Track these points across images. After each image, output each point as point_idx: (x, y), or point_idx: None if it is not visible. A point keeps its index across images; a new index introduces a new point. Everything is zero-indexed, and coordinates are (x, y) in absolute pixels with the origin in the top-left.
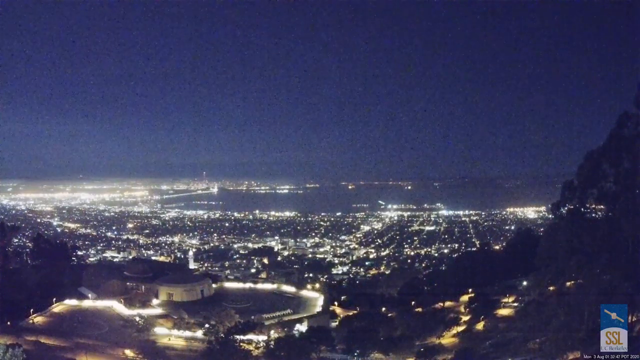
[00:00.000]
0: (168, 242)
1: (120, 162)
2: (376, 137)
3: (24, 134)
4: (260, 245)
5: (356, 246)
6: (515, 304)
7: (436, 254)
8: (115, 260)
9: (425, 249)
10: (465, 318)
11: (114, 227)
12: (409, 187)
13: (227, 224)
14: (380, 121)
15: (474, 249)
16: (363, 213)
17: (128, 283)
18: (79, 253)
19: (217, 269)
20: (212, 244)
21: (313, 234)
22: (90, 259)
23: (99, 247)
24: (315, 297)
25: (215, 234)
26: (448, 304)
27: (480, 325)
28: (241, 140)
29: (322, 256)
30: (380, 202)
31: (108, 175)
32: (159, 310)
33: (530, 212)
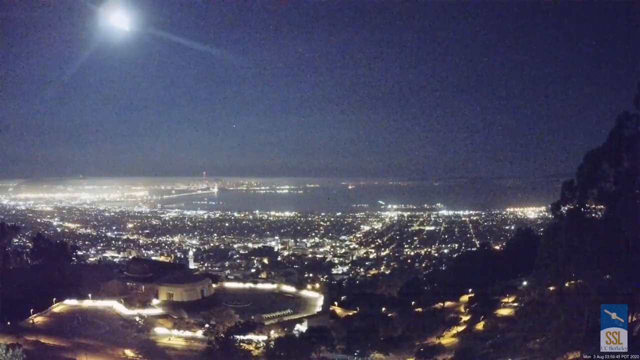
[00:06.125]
0: (168, 242)
1: (120, 162)
2: (376, 136)
3: (24, 133)
4: (260, 245)
5: (356, 246)
6: (515, 304)
7: (436, 254)
8: (115, 260)
9: (425, 249)
10: (465, 318)
11: (114, 227)
12: (409, 187)
13: (227, 224)
14: (380, 121)
15: (474, 249)
16: (363, 213)
17: (128, 283)
18: (79, 253)
19: (217, 269)
20: (212, 244)
21: (313, 234)
22: (90, 259)
23: (99, 247)
24: (315, 297)
25: (215, 234)
26: (448, 304)
27: (480, 325)
28: (241, 140)
29: (322, 256)
30: (380, 202)
31: (108, 175)
32: (159, 310)
33: (530, 212)
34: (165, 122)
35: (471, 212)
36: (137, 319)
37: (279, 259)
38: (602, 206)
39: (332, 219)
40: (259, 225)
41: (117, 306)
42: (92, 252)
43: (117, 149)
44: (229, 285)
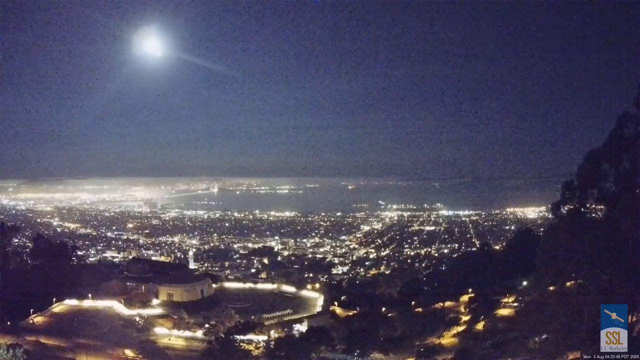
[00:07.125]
0: (168, 242)
1: (121, 162)
2: (376, 136)
3: (24, 133)
4: (260, 245)
5: (356, 246)
6: (515, 304)
7: (436, 254)
8: (115, 260)
9: (425, 249)
10: (465, 318)
11: (114, 227)
12: (409, 187)
13: (227, 224)
14: (380, 121)
15: (474, 249)
16: (363, 213)
17: (128, 283)
18: (79, 253)
19: (217, 269)
20: (212, 244)
21: (313, 234)
22: (90, 259)
23: (99, 247)
24: (315, 297)
25: (215, 234)
26: (448, 304)
27: (480, 325)
28: (241, 140)
29: (322, 256)
30: (380, 202)
31: (108, 175)
32: (159, 310)
33: (530, 212)
34: (165, 122)
35: (471, 212)
36: (137, 319)
37: (279, 259)
38: (602, 206)
39: (332, 219)
40: (259, 225)
41: (117, 306)
42: (92, 252)
43: (117, 149)
44: (229, 285)
